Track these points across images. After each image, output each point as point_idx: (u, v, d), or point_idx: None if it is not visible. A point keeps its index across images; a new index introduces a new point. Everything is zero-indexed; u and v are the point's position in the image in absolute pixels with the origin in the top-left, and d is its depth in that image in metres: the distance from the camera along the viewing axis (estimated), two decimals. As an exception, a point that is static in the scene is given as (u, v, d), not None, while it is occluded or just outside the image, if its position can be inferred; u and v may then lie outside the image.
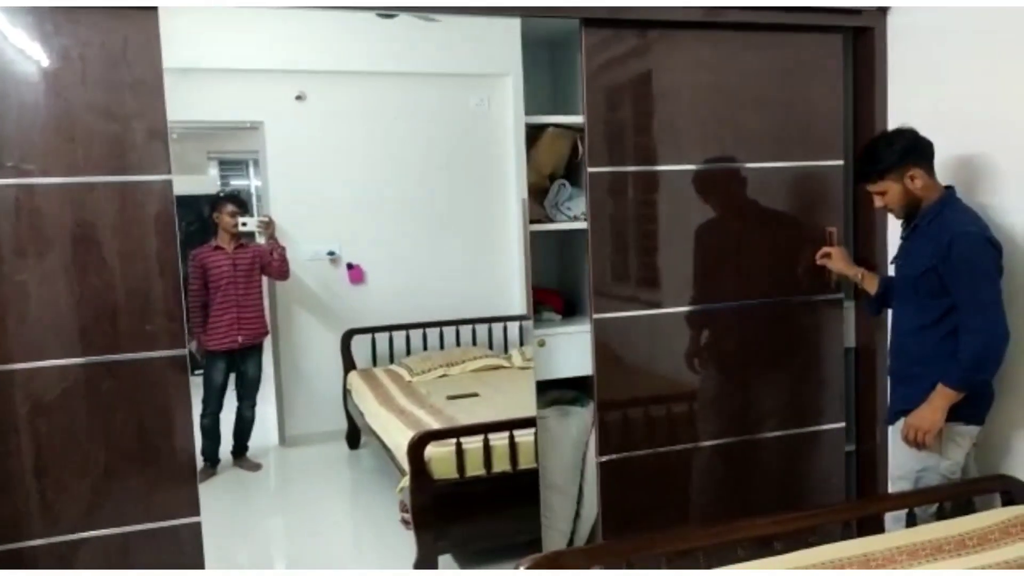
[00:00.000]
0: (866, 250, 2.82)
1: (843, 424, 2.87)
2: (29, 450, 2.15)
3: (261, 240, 2.74)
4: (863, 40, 2.78)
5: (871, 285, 2.56)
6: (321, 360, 2.90)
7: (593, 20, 2.51)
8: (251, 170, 2.96)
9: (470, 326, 3.04)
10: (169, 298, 2.23)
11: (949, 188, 2.27)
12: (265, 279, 2.77)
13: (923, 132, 2.46)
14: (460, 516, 2.70)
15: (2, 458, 2.13)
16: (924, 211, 2.24)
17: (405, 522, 2.70)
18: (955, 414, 2.15)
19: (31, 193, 2.11)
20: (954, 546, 1.88)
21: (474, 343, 3.05)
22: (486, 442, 2.67)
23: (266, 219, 2.71)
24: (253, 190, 2.94)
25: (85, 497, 2.20)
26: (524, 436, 2.69)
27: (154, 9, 2.13)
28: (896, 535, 1.97)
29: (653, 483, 2.71)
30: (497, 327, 3.05)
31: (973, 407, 2.19)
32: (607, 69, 2.57)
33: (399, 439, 2.68)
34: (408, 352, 2.99)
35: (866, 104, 2.78)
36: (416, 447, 2.61)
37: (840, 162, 2.78)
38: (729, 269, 2.74)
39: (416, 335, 2.98)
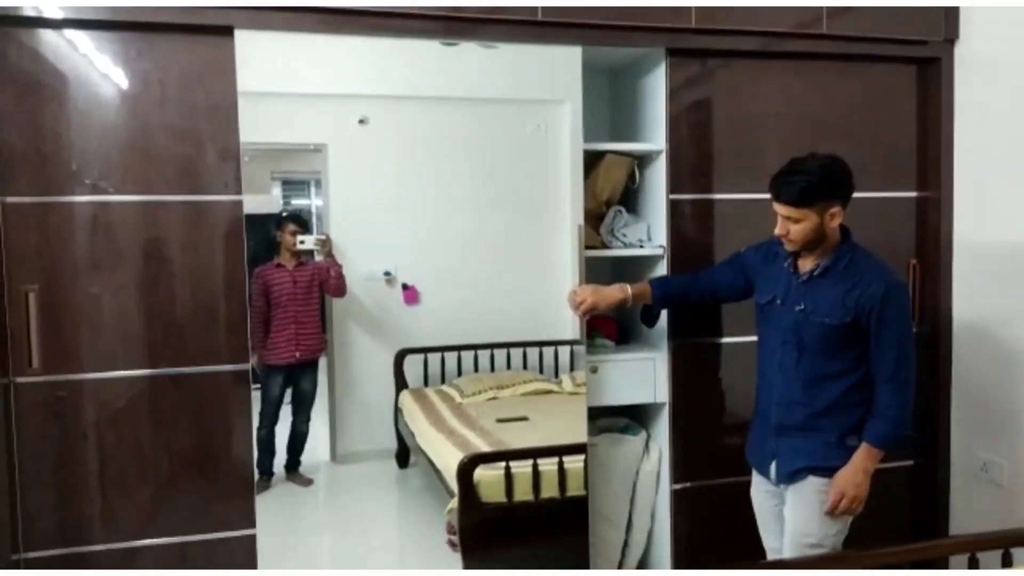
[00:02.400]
0: (931, 286, 2.76)
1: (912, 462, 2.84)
2: (95, 457, 2.23)
3: (319, 258, 2.80)
4: (930, 71, 2.74)
5: (645, 296, 2.40)
6: (374, 378, 2.93)
7: (677, 50, 2.55)
8: (312, 190, 3.02)
9: (521, 349, 3.04)
10: (234, 314, 2.30)
11: (845, 228, 2.08)
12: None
13: (991, 165, 2.38)
14: (507, 540, 2.69)
15: (70, 464, 2.21)
16: (833, 253, 2.05)
17: (452, 544, 2.70)
18: None
19: (107, 210, 2.20)
20: (1023, 595, 1.82)
21: (524, 367, 3.05)
22: (535, 467, 2.67)
23: (323, 237, 2.77)
24: (313, 209, 3.00)
25: (146, 505, 2.27)
26: (573, 462, 2.67)
27: (231, 35, 2.22)
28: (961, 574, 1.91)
29: (727, 512, 2.67)
30: (548, 351, 3.04)
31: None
32: (689, 97, 2.61)
33: (448, 460, 2.69)
34: (459, 373, 3.00)
35: (933, 136, 2.74)
36: (465, 469, 2.62)
37: (913, 193, 2.78)
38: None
39: (468, 356, 2.99)
